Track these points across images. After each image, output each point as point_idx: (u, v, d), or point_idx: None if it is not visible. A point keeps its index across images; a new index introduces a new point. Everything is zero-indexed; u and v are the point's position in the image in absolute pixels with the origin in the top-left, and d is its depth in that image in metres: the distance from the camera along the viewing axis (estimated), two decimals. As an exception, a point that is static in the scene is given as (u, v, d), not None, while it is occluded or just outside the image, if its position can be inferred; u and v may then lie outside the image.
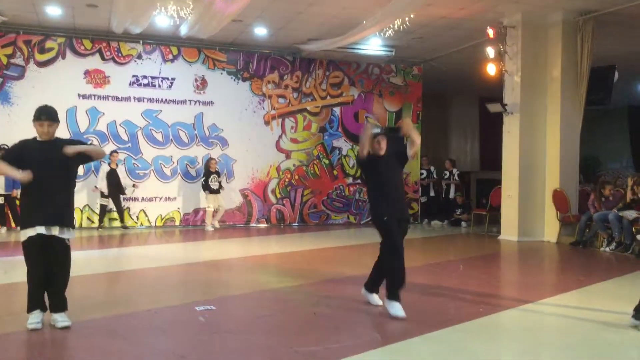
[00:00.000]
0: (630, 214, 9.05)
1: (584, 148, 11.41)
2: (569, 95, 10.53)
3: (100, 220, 11.83)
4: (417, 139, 5.49)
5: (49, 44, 11.79)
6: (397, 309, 5.02)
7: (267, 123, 13.21)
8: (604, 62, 11.42)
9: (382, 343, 4.45)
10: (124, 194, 11.86)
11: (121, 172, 11.93)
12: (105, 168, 11.64)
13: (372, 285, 5.52)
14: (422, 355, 4.22)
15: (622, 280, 7.20)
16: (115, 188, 11.64)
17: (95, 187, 11.68)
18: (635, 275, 7.48)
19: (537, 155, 10.77)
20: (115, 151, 11.80)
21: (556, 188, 10.50)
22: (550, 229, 10.70)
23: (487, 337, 4.73)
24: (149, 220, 12.38)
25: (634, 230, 8.95)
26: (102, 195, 11.68)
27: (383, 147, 5.40)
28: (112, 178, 11.61)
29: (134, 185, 11.98)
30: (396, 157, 5.50)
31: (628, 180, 9.68)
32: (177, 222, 12.57)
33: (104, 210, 11.81)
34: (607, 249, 9.37)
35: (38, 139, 4.73)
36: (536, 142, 10.75)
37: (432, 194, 14.51)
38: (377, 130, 5.49)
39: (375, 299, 5.48)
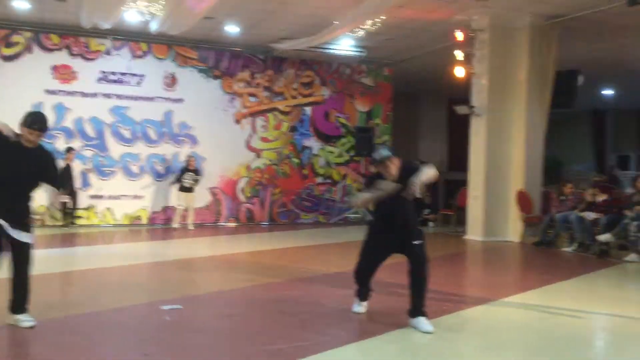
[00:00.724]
0: (590, 215, 9.31)
1: (549, 150, 11.67)
2: (535, 98, 10.76)
3: (64, 218, 11.64)
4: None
5: (15, 38, 11.55)
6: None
7: (237, 122, 13.17)
8: (569, 67, 11.69)
9: (348, 341, 4.52)
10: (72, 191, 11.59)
11: (88, 169, 11.80)
12: (60, 164, 11.45)
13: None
14: (387, 352, 4.30)
15: (582, 279, 7.40)
16: (68, 184, 11.40)
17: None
18: (595, 275, 7.70)
19: (503, 156, 10.97)
20: (72, 148, 11.60)
21: (520, 189, 10.73)
22: (514, 229, 10.92)
23: (450, 334, 4.83)
24: (114, 218, 12.23)
25: (595, 231, 9.20)
26: (62, 192, 11.46)
27: (392, 171, 4.88)
28: (66, 174, 11.34)
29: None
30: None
31: (589, 189, 9.94)
32: (144, 221, 12.45)
33: (64, 207, 11.59)
34: (569, 249, 9.61)
35: (22, 142, 4.52)
36: (502, 144, 10.96)
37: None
38: (387, 153, 4.98)
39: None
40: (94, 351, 4.16)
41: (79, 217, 11.82)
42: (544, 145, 11.12)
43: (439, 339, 4.61)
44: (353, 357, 4.22)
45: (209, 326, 4.91)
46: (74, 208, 11.69)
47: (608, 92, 17.97)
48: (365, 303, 5.27)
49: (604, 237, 8.88)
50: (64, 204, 11.52)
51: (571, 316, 5.38)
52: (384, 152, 5.02)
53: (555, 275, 7.52)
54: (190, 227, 12.01)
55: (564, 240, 9.87)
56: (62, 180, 11.26)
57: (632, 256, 8.56)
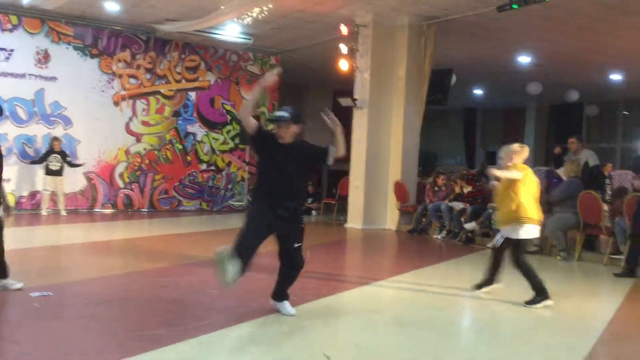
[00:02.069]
0: (458, 205, 10.02)
1: (424, 144, 12.35)
2: (412, 94, 11.33)
3: None
4: (342, 144, 4.81)
5: None
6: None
7: (116, 104, 12.61)
8: (444, 66, 12.42)
9: (226, 324, 4.53)
10: None
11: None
12: None
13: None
14: (265, 334, 4.38)
15: (450, 263, 7.97)
16: None
17: None
18: (461, 260, 8.31)
19: (382, 148, 11.47)
20: None
21: (397, 180, 11.28)
22: (391, 218, 11.48)
23: (328, 315, 5.01)
24: (-23, 202, 11.28)
25: (462, 220, 9.90)
26: None
27: (286, 134, 4.58)
28: None
29: None
30: (306, 153, 4.74)
31: (457, 180, 10.66)
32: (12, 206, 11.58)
33: None
34: (439, 236, 10.28)
35: None
36: (382, 137, 11.44)
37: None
38: (284, 114, 4.62)
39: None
40: (-50, 342, 3.86)
41: None
42: (420, 139, 11.75)
43: (317, 320, 4.76)
44: (233, 340, 4.25)
45: (83, 313, 4.72)
46: None
47: (478, 91, 19.31)
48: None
49: (470, 226, 9.59)
50: None
51: (441, 296, 5.80)
52: (282, 112, 4.68)
53: (427, 260, 8.04)
54: (63, 212, 11.36)
55: (435, 228, 10.52)
56: None
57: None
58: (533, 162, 19.73)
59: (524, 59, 14.22)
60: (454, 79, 12.66)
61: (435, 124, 20.12)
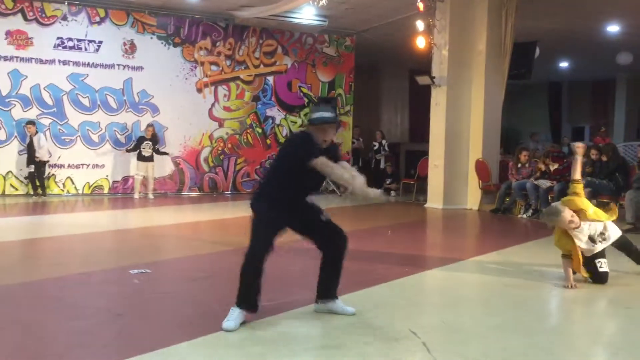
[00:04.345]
0: (545, 183, 9.68)
1: (506, 121, 12.00)
2: (493, 69, 10.99)
3: (34, 188, 11.44)
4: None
5: (-35, 1, 11.13)
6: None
7: (199, 90, 13.05)
8: (527, 39, 11.96)
9: (314, 301, 4.63)
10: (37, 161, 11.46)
11: (47, 137, 11.60)
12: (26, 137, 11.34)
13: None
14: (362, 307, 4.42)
15: (536, 243, 7.73)
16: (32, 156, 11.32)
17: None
18: (549, 239, 8.01)
19: (462, 126, 11.23)
20: (32, 122, 11.33)
21: (479, 158, 11.03)
22: (472, 197, 11.26)
23: (411, 293, 5.04)
24: (76, 187, 12.07)
25: (549, 198, 9.57)
26: (29, 163, 11.32)
27: (331, 137, 4.03)
28: (30, 146, 11.35)
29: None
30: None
31: (542, 158, 10.28)
32: (106, 190, 12.32)
33: (33, 177, 11.44)
34: (524, 215, 9.99)
35: None
36: (461, 114, 11.20)
37: (360, 164, 14.90)
38: (331, 114, 4.05)
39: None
40: (65, 312, 4.19)
41: (44, 187, 11.61)
42: (502, 116, 11.42)
43: (400, 297, 4.80)
44: (322, 315, 4.35)
45: (179, 288, 4.99)
46: (41, 178, 11.52)
47: (563, 64, 18.44)
48: None
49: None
50: (32, 174, 11.36)
51: (524, 276, 5.67)
52: (325, 113, 4.03)
53: (512, 239, 7.85)
54: (150, 196, 11.95)
55: (520, 207, 10.24)
56: (28, 152, 11.21)
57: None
58: (624, 137, 18.75)
59: (613, 28, 13.43)
60: (537, 51, 12.17)
61: (517, 99, 19.45)
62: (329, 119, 3.99)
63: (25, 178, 11.58)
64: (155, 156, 12.03)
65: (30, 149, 11.29)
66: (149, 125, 12.02)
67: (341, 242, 4.14)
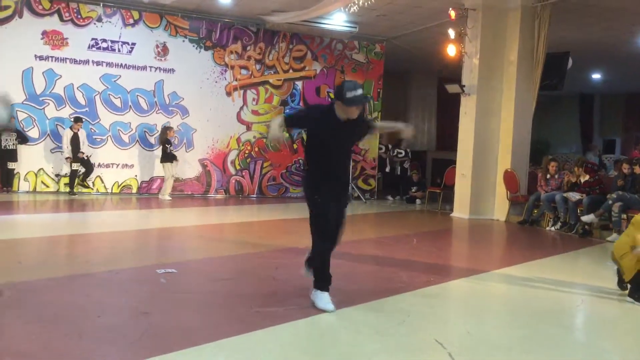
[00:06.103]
0: (574, 196, 9.51)
1: (536, 132, 11.83)
2: (524, 79, 10.88)
3: (72, 186, 11.68)
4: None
5: (5, 1, 11.39)
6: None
7: (228, 94, 13.17)
8: (559, 49, 11.80)
9: (338, 306, 4.64)
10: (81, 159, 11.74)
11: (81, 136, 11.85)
12: (68, 134, 11.53)
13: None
14: (376, 317, 4.43)
15: (565, 256, 7.61)
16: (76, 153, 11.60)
17: (67, 157, 11.60)
18: (577, 253, 7.92)
19: (491, 136, 11.12)
20: (80, 118, 11.65)
21: (507, 169, 10.90)
22: (500, 208, 11.12)
23: (436, 302, 4.99)
24: (105, 186, 12.26)
25: (578, 211, 9.41)
26: (73, 160, 11.56)
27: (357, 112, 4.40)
28: (74, 143, 11.59)
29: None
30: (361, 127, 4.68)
31: (574, 168, 10.11)
32: (134, 190, 12.49)
33: (74, 175, 11.69)
34: (553, 228, 9.84)
35: None
36: (491, 124, 11.09)
37: (387, 170, 14.88)
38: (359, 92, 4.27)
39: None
40: (91, 308, 4.25)
41: (87, 185, 11.98)
42: (532, 127, 11.27)
43: (425, 306, 4.76)
44: (346, 322, 4.35)
45: (204, 289, 5.03)
46: (82, 175, 11.90)
47: (596, 75, 18.15)
48: None
49: (588, 218, 9.09)
50: (75, 171, 11.63)
51: (551, 289, 5.58)
52: (358, 94, 4.25)
53: (540, 252, 7.73)
54: (167, 197, 12.02)
55: (548, 219, 10.09)
56: (72, 149, 11.46)
57: (614, 236, 8.74)
58: (658, 151, 18.31)
59: (648, 40, 13.20)
60: (570, 62, 11.99)
61: (548, 111, 19.20)
62: (360, 102, 4.29)
63: (57, 175, 11.81)
64: (182, 157, 12.21)
65: (75, 146, 11.53)
66: (170, 128, 12.14)
67: (332, 246, 4.55)
